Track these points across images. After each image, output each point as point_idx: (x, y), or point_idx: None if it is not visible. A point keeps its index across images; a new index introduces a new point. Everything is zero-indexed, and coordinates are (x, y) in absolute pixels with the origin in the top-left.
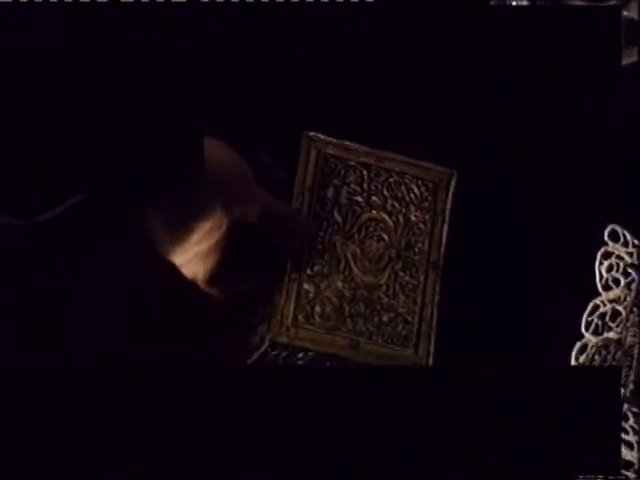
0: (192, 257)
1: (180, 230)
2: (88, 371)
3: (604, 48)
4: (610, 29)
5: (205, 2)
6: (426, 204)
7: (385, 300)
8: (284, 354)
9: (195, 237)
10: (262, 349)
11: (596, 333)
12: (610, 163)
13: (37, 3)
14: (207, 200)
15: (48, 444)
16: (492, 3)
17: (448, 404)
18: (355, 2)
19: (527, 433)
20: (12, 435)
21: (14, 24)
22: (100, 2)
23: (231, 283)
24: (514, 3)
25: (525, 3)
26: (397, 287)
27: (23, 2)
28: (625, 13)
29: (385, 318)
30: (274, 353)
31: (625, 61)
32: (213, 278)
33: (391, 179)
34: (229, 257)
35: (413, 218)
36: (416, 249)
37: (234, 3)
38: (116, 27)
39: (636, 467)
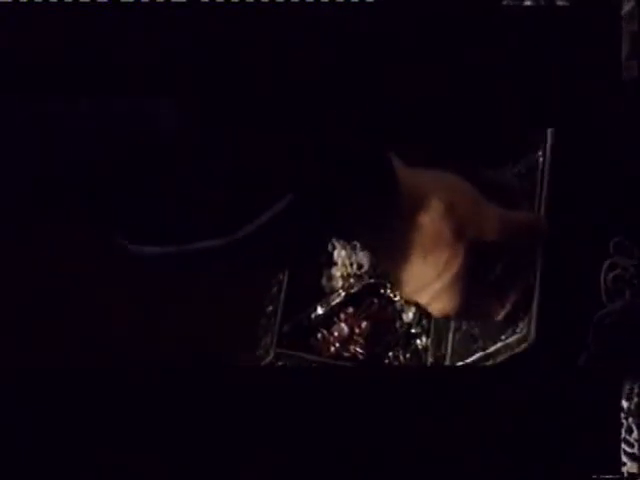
0: (436, 293)
1: (414, 270)
2: (105, 372)
3: (604, 49)
4: (610, 28)
5: None
6: None
7: None
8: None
9: (433, 273)
10: (266, 361)
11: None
12: (617, 174)
13: (37, 3)
14: (436, 232)
15: (49, 444)
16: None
17: (447, 405)
18: (355, 2)
19: (527, 435)
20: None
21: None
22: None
23: (485, 303)
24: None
25: (529, 3)
26: None
27: (23, 2)
28: (626, 25)
29: None
30: (279, 364)
31: (626, 75)
32: (464, 307)
33: None
34: (475, 281)
35: None
36: None
37: None
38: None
39: None
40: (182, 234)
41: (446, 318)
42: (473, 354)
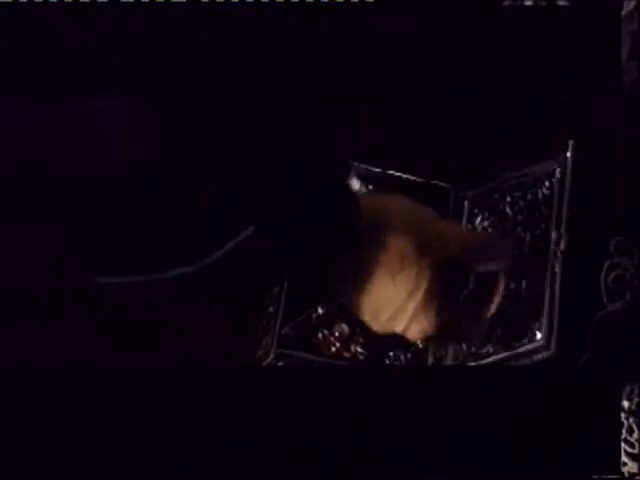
0: (412, 314)
1: (384, 294)
2: (99, 371)
3: (604, 49)
4: (610, 28)
5: None
6: None
7: None
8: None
9: (404, 294)
10: (267, 361)
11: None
12: (616, 174)
13: (37, 3)
14: (400, 252)
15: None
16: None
17: (447, 406)
18: (356, 2)
19: (528, 435)
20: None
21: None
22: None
23: (463, 320)
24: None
25: (529, 3)
26: None
27: (23, 2)
28: (626, 25)
29: None
30: (280, 364)
31: (625, 77)
32: (443, 326)
33: None
34: (448, 298)
35: None
36: None
37: None
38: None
39: None
40: (149, 263)
41: (427, 342)
42: (481, 358)
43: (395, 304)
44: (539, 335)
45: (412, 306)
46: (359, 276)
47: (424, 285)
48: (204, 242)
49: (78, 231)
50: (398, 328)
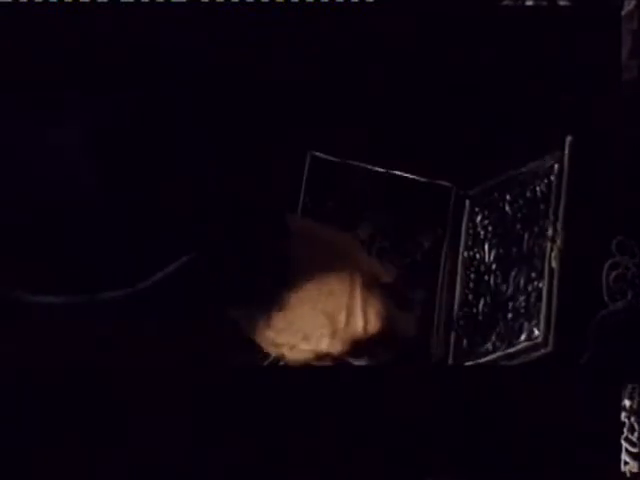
0: (362, 303)
1: (332, 298)
2: (98, 371)
3: (604, 49)
4: (610, 28)
5: None
6: None
7: None
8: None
9: (346, 289)
10: (268, 362)
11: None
12: (617, 173)
13: (37, 3)
14: (332, 262)
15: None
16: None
17: (448, 405)
18: (356, 2)
19: (528, 435)
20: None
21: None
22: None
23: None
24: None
25: (530, 3)
26: None
27: (23, 2)
28: (627, 24)
29: None
30: (281, 364)
31: (626, 76)
32: (391, 310)
33: None
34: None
35: None
36: None
37: None
38: None
39: None
40: (82, 284)
41: (389, 339)
42: (481, 356)
43: (344, 299)
44: (537, 332)
45: (358, 293)
46: (302, 294)
47: (359, 280)
48: (139, 266)
49: (14, 248)
50: (359, 325)
